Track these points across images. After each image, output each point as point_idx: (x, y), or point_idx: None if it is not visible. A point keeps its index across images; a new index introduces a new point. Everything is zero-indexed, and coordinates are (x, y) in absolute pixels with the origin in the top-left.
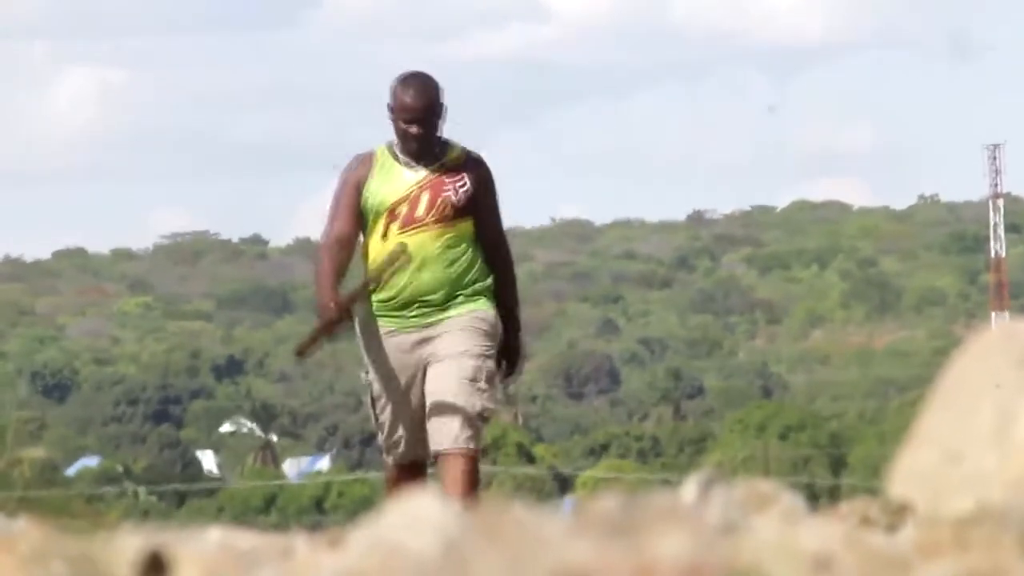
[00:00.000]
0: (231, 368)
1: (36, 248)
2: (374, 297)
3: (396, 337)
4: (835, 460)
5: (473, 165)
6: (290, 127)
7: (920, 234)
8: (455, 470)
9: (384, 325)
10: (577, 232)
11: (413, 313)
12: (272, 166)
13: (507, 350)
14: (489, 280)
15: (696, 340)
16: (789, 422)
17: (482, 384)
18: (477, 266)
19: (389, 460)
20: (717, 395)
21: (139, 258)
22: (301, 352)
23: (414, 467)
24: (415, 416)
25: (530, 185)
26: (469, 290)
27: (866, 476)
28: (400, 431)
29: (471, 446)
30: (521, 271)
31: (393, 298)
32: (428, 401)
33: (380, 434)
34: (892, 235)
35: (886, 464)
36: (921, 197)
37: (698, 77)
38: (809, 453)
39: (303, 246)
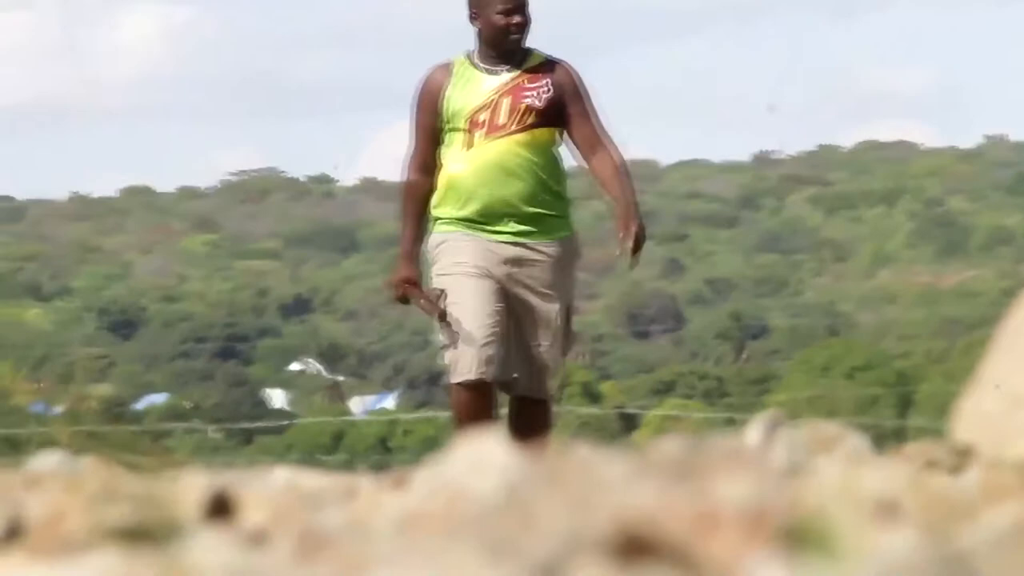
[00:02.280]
0: (298, 307)
1: (102, 186)
2: (456, 214)
3: (486, 243)
4: (902, 399)
5: (557, 69)
6: (358, 65)
7: (988, 174)
8: (540, 416)
9: (472, 234)
10: (642, 172)
11: (502, 227)
12: (339, 105)
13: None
14: (568, 196)
15: (762, 279)
16: (856, 362)
17: (571, 332)
18: (560, 176)
19: (459, 378)
20: (783, 334)
21: (205, 196)
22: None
23: (482, 390)
24: (497, 328)
25: None
26: (556, 207)
27: (933, 416)
28: (477, 340)
29: (552, 392)
30: (586, 211)
31: (478, 211)
32: (524, 344)
33: (451, 348)
34: (959, 175)
35: (953, 404)
36: (988, 137)
37: (763, 15)
38: (876, 392)
39: (370, 185)
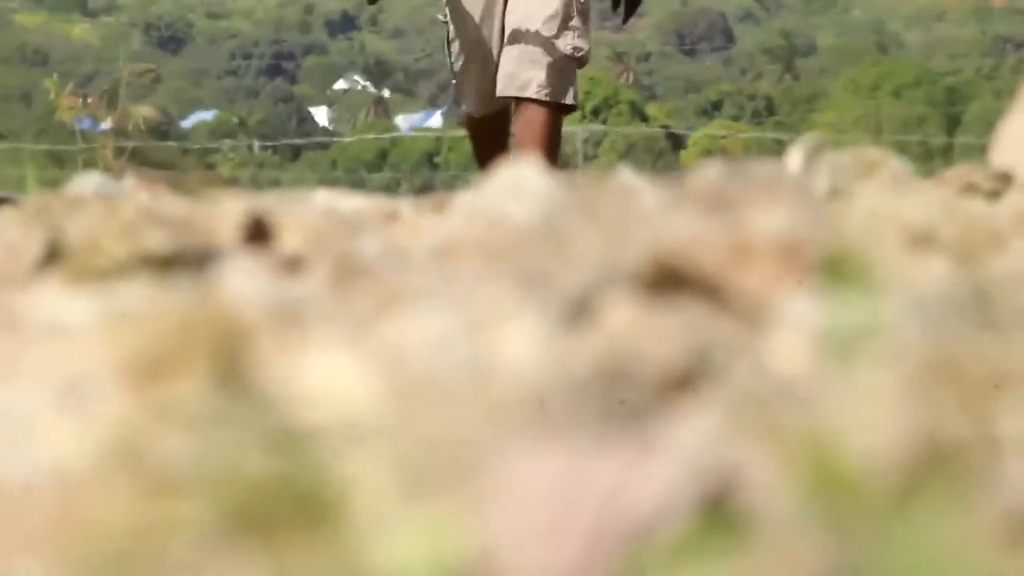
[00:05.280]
0: (344, 24)
1: None
2: None
3: None
4: (950, 117)
5: None
6: None
7: None
8: (531, 121)
9: None
10: None
11: None
12: None
13: None
14: None
15: None
16: (904, 79)
17: (574, 21)
18: None
19: (463, 110)
20: (831, 53)
21: None
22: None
23: (496, 119)
24: (492, 58)
25: None
26: None
27: (982, 133)
28: (473, 75)
29: (553, 95)
30: None
31: None
32: (506, 36)
33: (454, 81)
34: None
35: (1000, 123)
36: None
37: None
38: (924, 111)
39: None
